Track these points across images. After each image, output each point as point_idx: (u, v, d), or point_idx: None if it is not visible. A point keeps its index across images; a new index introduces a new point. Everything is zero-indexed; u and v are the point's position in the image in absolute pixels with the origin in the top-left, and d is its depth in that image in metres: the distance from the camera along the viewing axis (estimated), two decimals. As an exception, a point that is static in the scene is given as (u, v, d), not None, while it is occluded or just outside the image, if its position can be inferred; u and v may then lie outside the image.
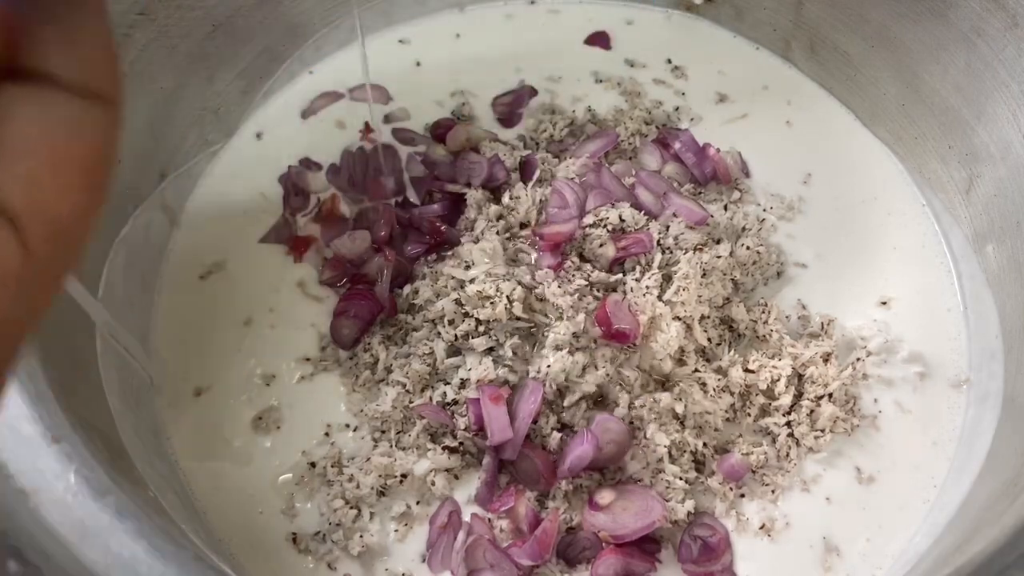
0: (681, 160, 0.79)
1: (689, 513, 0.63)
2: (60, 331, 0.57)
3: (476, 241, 0.71)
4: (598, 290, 0.68)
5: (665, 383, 0.68)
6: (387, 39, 0.88)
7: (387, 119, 0.83)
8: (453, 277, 0.69)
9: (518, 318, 0.66)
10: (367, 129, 0.82)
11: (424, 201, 0.77)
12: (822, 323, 0.72)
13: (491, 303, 0.66)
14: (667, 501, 0.63)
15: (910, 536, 0.65)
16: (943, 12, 0.72)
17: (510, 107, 0.84)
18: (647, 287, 0.67)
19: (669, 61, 0.87)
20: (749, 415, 0.68)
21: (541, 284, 0.67)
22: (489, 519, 0.64)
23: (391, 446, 0.66)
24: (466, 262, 0.69)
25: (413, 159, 0.80)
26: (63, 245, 0.29)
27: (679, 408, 0.65)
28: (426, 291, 0.70)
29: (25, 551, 0.43)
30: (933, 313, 0.74)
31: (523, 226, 0.73)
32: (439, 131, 0.81)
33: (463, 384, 0.66)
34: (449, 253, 0.72)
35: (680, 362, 0.68)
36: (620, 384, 0.66)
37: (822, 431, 0.67)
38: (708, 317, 0.69)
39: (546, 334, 0.66)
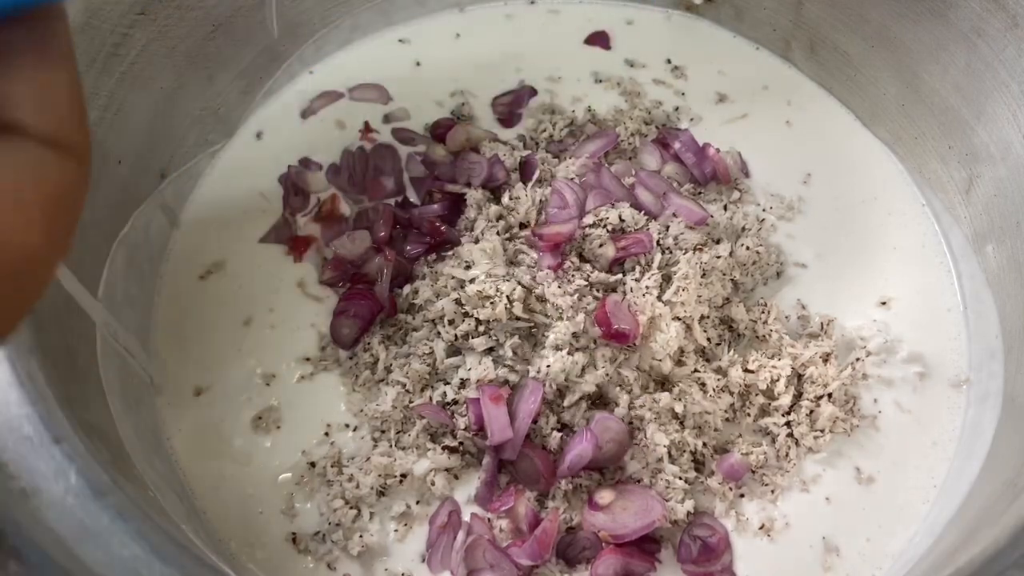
0: (681, 160, 0.79)
1: (689, 513, 0.63)
2: (60, 331, 0.57)
3: (476, 241, 0.71)
4: (598, 290, 0.69)
5: (665, 383, 0.68)
6: (387, 39, 0.88)
7: (387, 119, 0.83)
8: (453, 277, 0.69)
9: (518, 318, 0.66)
10: (367, 129, 0.82)
11: (424, 201, 0.77)
12: (822, 323, 0.72)
13: (491, 303, 0.66)
14: (667, 501, 0.63)
15: (910, 536, 0.65)
16: (943, 12, 0.72)
17: (510, 107, 0.84)
18: (647, 287, 0.67)
19: (669, 61, 0.87)
20: (749, 415, 0.68)
21: (541, 284, 0.67)
22: (489, 519, 0.64)
23: (391, 446, 0.66)
24: (466, 262, 0.69)
25: (413, 159, 0.80)
26: (18, 284, 0.30)
27: (679, 408, 0.65)
28: (426, 291, 0.70)
29: (25, 551, 0.43)
30: (933, 313, 0.74)
31: (523, 226, 0.73)
32: (439, 131, 0.81)
33: (463, 384, 0.66)
34: (449, 253, 0.72)
35: (680, 362, 0.68)
36: (620, 384, 0.66)
37: (822, 431, 0.67)
38: (708, 317, 0.70)
39: (546, 334, 0.66)
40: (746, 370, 0.68)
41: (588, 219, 0.71)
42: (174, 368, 0.70)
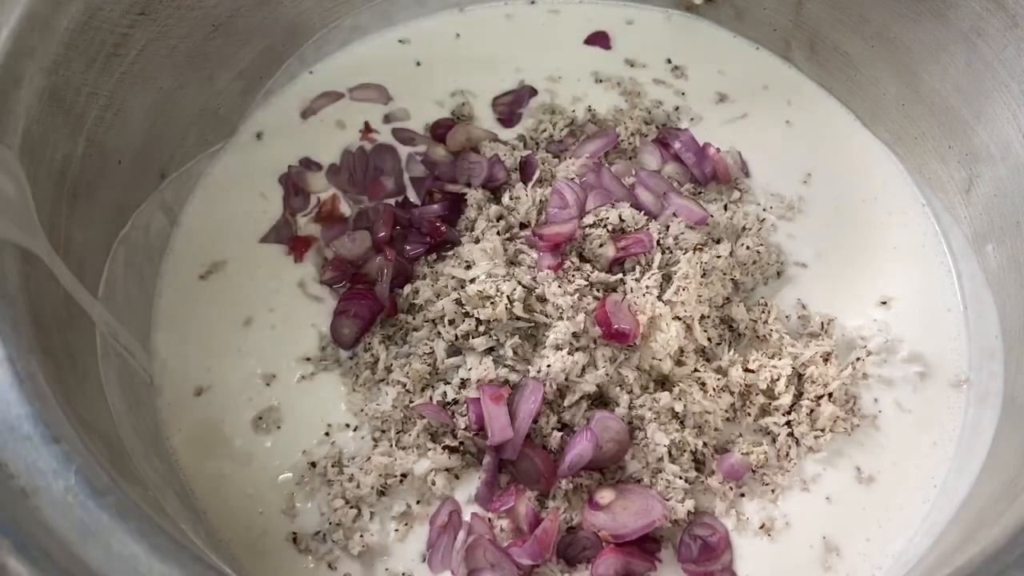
0: (681, 160, 0.79)
1: (689, 512, 0.63)
2: (60, 331, 0.57)
3: (476, 241, 0.71)
4: (598, 290, 0.68)
5: (665, 383, 0.68)
6: (387, 39, 0.88)
7: (387, 119, 0.83)
8: (453, 277, 0.69)
9: (518, 318, 0.66)
10: (367, 129, 0.82)
11: (424, 201, 0.77)
12: (822, 323, 0.72)
13: (491, 303, 0.66)
14: (667, 500, 0.63)
15: (910, 536, 0.65)
16: (943, 12, 0.72)
17: (510, 107, 0.84)
18: (647, 287, 0.67)
19: (669, 61, 0.87)
20: (749, 415, 0.68)
21: (541, 284, 0.67)
22: (489, 519, 0.64)
23: (391, 446, 0.66)
24: (466, 262, 0.69)
25: (413, 159, 0.80)
26: None
27: (679, 408, 0.65)
28: (426, 291, 0.70)
29: (25, 551, 0.43)
30: (933, 313, 0.74)
31: (523, 226, 0.73)
32: (439, 131, 0.81)
33: (463, 384, 0.66)
34: (450, 253, 0.72)
35: (680, 362, 0.68)
36: (620, 384, 0.66)
37: (822, 431, 0.67)
38: (708, 317, 0.70)
39: (546, 334, 0.66)
40: (746, 370, 0.68)
41: (588, 219, 0.71)
42: (174, 368, 0.70)
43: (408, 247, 0.74)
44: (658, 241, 0.71)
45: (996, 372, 0.69)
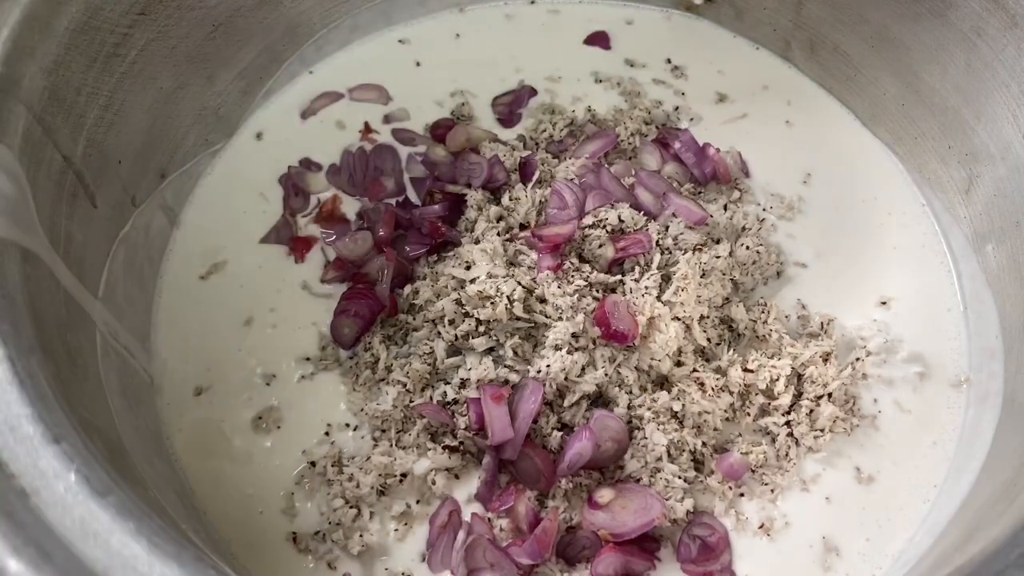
0: (681, 160, 0.79)
1: (688, 512, 0.63)
2: (60, 331, 0.57)
3: (476, 242, 0.71)
4: (597, 291, 0.69)
5: (664, 383, 0.68)
6: (387, 39, 0.88)
7: (387, 119, 0.83)
8: (453, 277, 0.69)
9: (518, 318, 0.66)
10: (367, 129, 0.82)
11: (424, 201, 0.77)
12: (822, 323, 0.72)
13: (491, 303, 0.66)
14: (666, 500, 0.63)
15: (910, 536, 0.65)
16: (943, 12, 0.72)
17: (510, 107, 0.84)
18: (646, 287, 0.67)
19: (669, 61, 0.87)
20: (748, 415, 0.68)
21: (541, 285, 0.67)
22: (489, 518, 0.64)
23: (391, 445, 0.66)
24: (466, 262, 0.69)
25: (413, 159, 0.80)
26: None
27: (677, 407, 0.65)
28: (426, 291, 0.70)
29: (25, 551, 0.44)
30: (933, 313, 0.74)
31: (523, 227, 0.73)
32: (439, 131, 0.81)
33: (463, 384, 0.66)
34: (450, 254, 0.72)
35: (679, 362, 0.68)
36: (619, 384, 0.66)
37: (821, 431, 0.67)
38: (707, 317, 0.70)
39: (546, 334, 0.66)
40: (746, 370, 0.68)
41: (588, 220, 0.71)
42: (174, 368, 0.70)
43: (408, 247, 0.74)
44: (657, 241, 0.71)
45: (996, 372, 0.69)
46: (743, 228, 0.75)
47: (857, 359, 0.70)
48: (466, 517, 0.64)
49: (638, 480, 0.64)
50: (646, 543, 0.63)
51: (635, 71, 0.86)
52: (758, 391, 0.68)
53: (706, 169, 0.78)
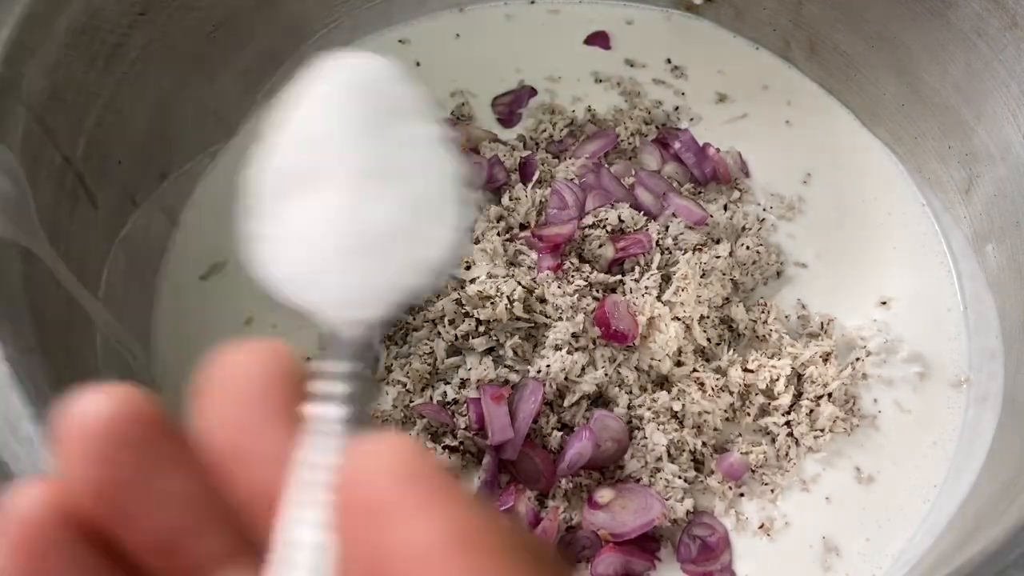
0: (681, 160, 0.79)
1: (688, 512, 0.63)
2: (60, 331, 0.57)
3: (476, 242, 0.71)
4: (597, 291, 0.69)
5: (664, 383, 0.68)
6: (387, 39, 0.88)
7: (387, 119, 0.83)
8: (453, 277, 0.69)
9: (518, 318, 0.66)
10: (367, 129, 0.82)
11: (424, 201, 0.77)
12: (822, 323, 0.72)
13: (491, 303, 0.66)
14: (666, 500, 0.63)
15: (910, 536, 0.65)
16: (943, 12, 0.72)
17: (510, 107, 0.84)
18: (646, 287, 0.67)
19: (669, 61, 0.87)
20: (748, 415, 0.68)
21: (541, 285, 0.67)
22: (489, 519, 0.64)
23: (391, 446, 0.66)
24: (466, 262, 0.69)
25: (413, 159, 0.80)
26: None
27: (677, 407, 0.65)
28: (426, 291, 0.70)
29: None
30: (933, 313, 0.74)
31: (523, 227, 0.73)
32: (439, 131, 0.81)
33: (463, 384, 0.66)
34: (449, 253, 0.72)
35: (679, 362, 0.68)
36: (619, 384, 0.66)
37: (821, 431, 0.67)
38: (707, 317, 0.69)
39: (546, 334, 0.66)
40: (746, 370, 0.68)
41: (588, 220, 0.71)
42: (175, 368, 0.70)
43: (408, 247, 0.74)
44: (657, 242, 0.71)
45: (996, 372, 0.69)
46: (743, 228, 0.75)
47: (857, 359, 0.70)
48: (466, 517, 0.64)
49: (638, 480, 0.64)
50: (646, 543, 0.63)
51: (635, 71, 0.86)
52: (758, 391, 0.68)
53: (706, 169, 0.78)
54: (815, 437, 0.67)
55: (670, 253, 0.70)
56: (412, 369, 0.67)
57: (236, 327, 0.72)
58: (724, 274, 0.71)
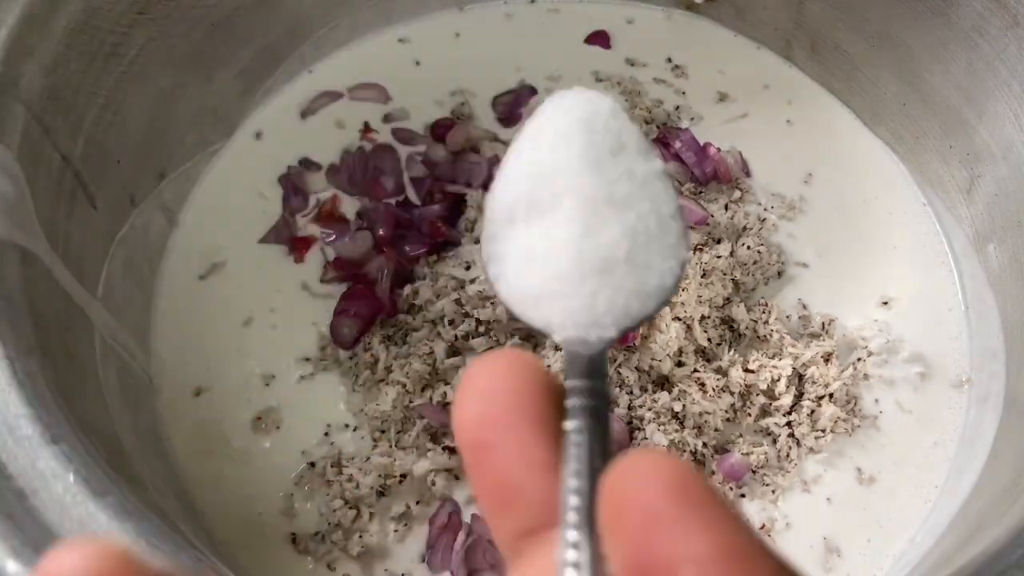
0: (681, 159, 0.79)
1: (689, 513, 0.63)
2: (60, 331, 0.57)
3: (476, 242, 0.71)
4: (598, 290, 0.68)
5: (664, 383, 0.68)
6: (387, 38, 0.88)
7: (387, 119, 0.83)
8: (453, 277, 0.69)
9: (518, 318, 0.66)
10: (367, 129, 0.82)
11: (425, 201, 0.77)
12: (823, 323, 0.72)
13: (491, 303, 0.66)
14: (667, 501, 0.63)
15: (911, 536, 0.65)
16: (944, 11, 0.72)
17: (510, 106, 0.84)
18: (647, 287, 0.67)
19: (669, 60, 0.87)
20: (749, 415, 0.68)
21: (541, 284, 0.67)
22: (489, 519, 0.64)
23: (391, 446, 0.66)
24: (467, 262, 0.69)
25: (413, 159, 0.80)
26: None
27: (678, 408, 0.65)
28: (426, 291, 0.70)
29: (24, 552, 0.43)
30: (934, 313, 0.74)
31: (523, 226, 0.73)
32: (439, 131, 0.81)
33: (463, 384, 0.66)
34: (450, 254, 0.72)
35: (679, 363, 0.67)
36: (620, 384, 0.66)
37: (823, 431, 0.67)
38: (708, 317, 0.69)
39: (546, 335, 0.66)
40: (747, 370, 0.68)
41: (588, 219, 0.71)
42: (174, 368, 0.70)
43: (408, 247, 0.74)
44: (658, 241, 0.71)
45: (997, 372, 0.69)
46: (744, 228, 0.75)
47: (858, 359, 0.70)
48: (466, 518, 0.64)
49: (639, 481, 0.64)
50: (647, 544, 0.63)
51: (635, 70, 0.86)
52: (759, 391, 0.68)
53: (707, 169, 0.78)
54: (816, 438, 0.67)
55: (671, 253, 0.70)
56: (412, 369, 0.67)
57: (235, 327, 0.72)
58: (725, 274, 0.71)
